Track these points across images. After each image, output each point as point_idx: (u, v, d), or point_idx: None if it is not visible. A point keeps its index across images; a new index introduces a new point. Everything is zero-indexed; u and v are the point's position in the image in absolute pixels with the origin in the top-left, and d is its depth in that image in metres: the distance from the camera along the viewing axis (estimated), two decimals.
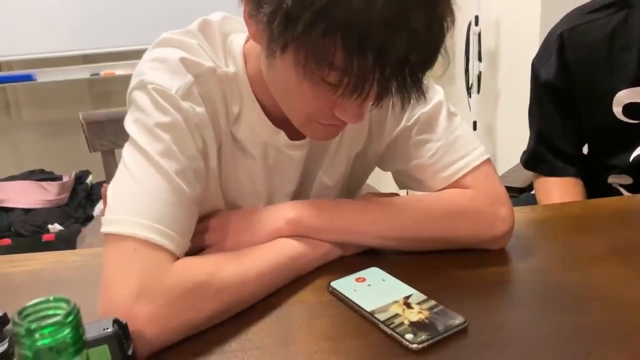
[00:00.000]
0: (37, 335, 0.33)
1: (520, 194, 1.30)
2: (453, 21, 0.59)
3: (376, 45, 0.54)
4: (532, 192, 1.23)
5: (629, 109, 1.01)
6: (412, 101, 0.61)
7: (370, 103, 0.62)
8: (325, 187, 0.83)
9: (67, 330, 0.33)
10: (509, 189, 1.28)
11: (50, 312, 0.35)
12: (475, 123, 2.22)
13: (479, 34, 2.16)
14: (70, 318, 0.34)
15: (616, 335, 0.58)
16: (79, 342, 0.34)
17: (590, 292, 0.66)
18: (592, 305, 0.64)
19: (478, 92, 2.21)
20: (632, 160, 1.04)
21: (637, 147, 1.03)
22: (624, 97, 1.01)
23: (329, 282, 0.68)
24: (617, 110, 1.02)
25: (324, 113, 0.65)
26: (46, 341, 0.33)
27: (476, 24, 2.15)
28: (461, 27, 2.22)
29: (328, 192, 0.83)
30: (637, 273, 0.70)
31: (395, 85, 0.59)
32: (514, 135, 1.29)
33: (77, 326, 0.34)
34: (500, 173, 1.40)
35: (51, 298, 0.35)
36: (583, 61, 1.04)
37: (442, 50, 0.59)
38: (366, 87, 0.57)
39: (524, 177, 1.32)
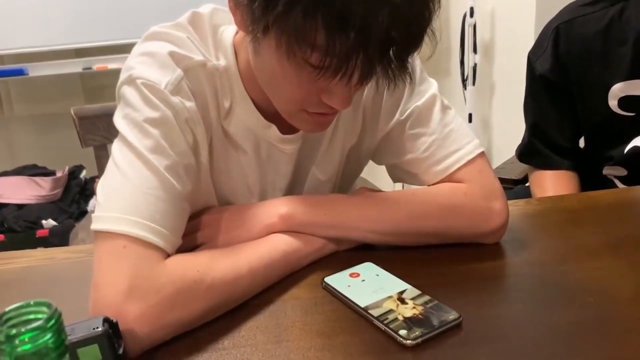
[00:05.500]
0: (17, 342, 0.32)
1: (515, 186, 1.29)
2: (439, 1, 0.57)
3: (357, 22, 0.53)
4: (527, 184, 1.23)
5: (624, 101, 1.01)
6: (399, 83, 0.60)
7: (355, 85, 0.60)
8: (318, 182, 0.82)
9: (48, 335, 0.32)
10: (504, 181, 1.29)
11: (31, 316, 0.34)
12: (470, 115, 2.22)
13: (474, 26, 2.15)
14: (52, 322, 0.33)
15: (611, 329, 0.58)
16: (61, 347, 0.33)
17: (585, 285, 0.66)
18: (587, 299, 0.63)
19: (473, 84, 2.21)
20: (627, 152, 1.04)
21: (632, 139, 1.03)
22: (619, 90, 1.00)
23: (323, 278, 0.67)
24: (613, 103, 1.02)
25: (311, 100, 0.64)
26: (27, 347, 0.32)
27: (471, 15, 2.14)
28: (456, 19, 2.21)
29: (321, 186, 0.83)
30: (632, 266, 0.70)
31: (380, 66, 0.58)
32: (510, 127, 1.29)
33: (59, 330, 0.33)
34: (495, 165, 1.40)
35: (32, 302, 0.34)
36: (578, 54, 1.04)
37: (429, 31, 0.58)
38: (349, 67, 0.56)
39: (519, 169, 1.32)
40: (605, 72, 1.01)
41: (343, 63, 0.56)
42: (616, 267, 0.69)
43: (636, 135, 1.02)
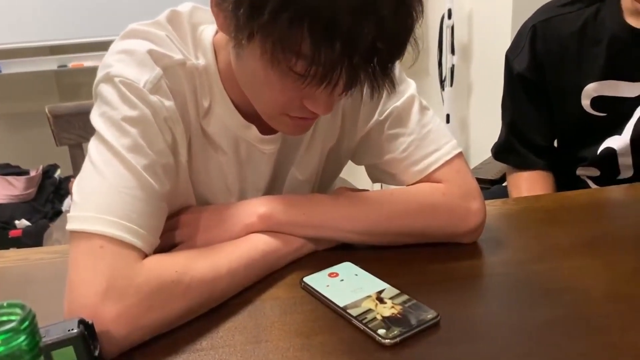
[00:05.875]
0: None
1: (492, 186, 1.31)
2: (421, 11, 0.58)
3: (343, 33, 0.53)
4: (504, 184, 1.24)
5: (596, 102, 1.03)
6: (382, 91, 0.61)
7: (340, 93, 0.61)
8: (297, 182, 0.82)
9: (22, 337, 0.32)
10: (481, 181, 1.30)
11: (4, 318, 0.33)
12: (448, 116, 2.24)
13: (452, 27, 2.17)
14: (25, 324, 0.32)
15: (586, 327, 0.59)
16: (35, 349, 0.32)
17: (560, 284, 0.67)
18: (562, 297, 0.64)
19: (451, 85, 2.23)
20: (600, 153, 1.06)
21: (604, 139, 1.05)
22: (592, 90, 1.02)
23: (302, 278, 0.67)
24: (586, 103, 1.03)
25: (293, 105, 0.64)
26: (0, 349, 0.31)
27: (449, 17, 2.16)
28: (434, 21, 2.23)
29: (301, 186, 0.83)
30: (606, 265, 0.71)
31: (364, 74, 0.58)
32: (487, 127, 1.30)
33: (33, 332, 0.32)
34: (473, 165, 1.41)
35: (5, 304, 0.33)
36: (554, 53, 1.05)
37: (412, 40, 0.59)
38: (334, 76, 0.57)
39: (496, 169, 1.33)
40: (579, 72, 1.03)
41: (328, 72, 0.57)
42: (590, 266, 0.71)
43: (609, 136, 1.04)
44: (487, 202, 0.77)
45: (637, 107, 1.01)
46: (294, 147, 0.80)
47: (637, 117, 1.00)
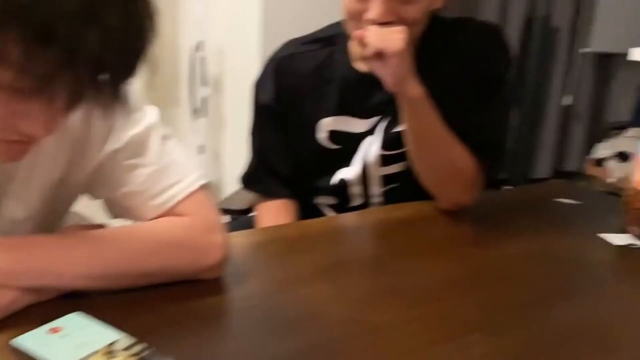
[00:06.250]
0: None
1: (241, 216, 1.32)
2: (153, 28, 0.54)
3: (63, 39, 0.46)
4: (252, 214, 1.26)
5: (331, 135, 1.12)
6: (113, 111, 0.55)
7: (61, 111, 0.53)
8: (13, 222, 0.70)
9: None
10: (231, 211, 1.30)
11: None
12: (200, 147, 2.23)
13: (203, 59, 2.18)
14: None
15: (326, 354, 0.61)
16: None
17: (302, 312, 0.69)
18: (304, 326, 0.66)
19: (204, 116, 2.23)
20: (334, 183, 1.15)
21: (338, 170, 1.14)
22: (327, 124, 1.11)
23: (13, 338, 0.56)
24: (321, 136, 1.12)
25: (4, 125, 0.53)
26: None
27: (201, 49, 2.17)
28: (185, 51, 2.21)
29: (17, 227, 0.70)
30: (341, 289, 0.75)
31: (90, 90, 0.52)
32: (240, 158, 1.31)
33: None
34: (225, 196, 1.41)
35: None
36: (295, 88, 1.12)
37: (147, 59, 0.55)
38: (54, 89, 0.49)
39: (247, 199, 1.35)
40: (316, 107, 1.11)
41: (44, 85, 0.49)
42: (328, 292, 0.74)
43: (341, 167, 1.14)
44: (233, 234, 0.77)
45: (363, 140, 1.12)
46: (7, 178, 0.68)
47: (364, 150, 1.12)
